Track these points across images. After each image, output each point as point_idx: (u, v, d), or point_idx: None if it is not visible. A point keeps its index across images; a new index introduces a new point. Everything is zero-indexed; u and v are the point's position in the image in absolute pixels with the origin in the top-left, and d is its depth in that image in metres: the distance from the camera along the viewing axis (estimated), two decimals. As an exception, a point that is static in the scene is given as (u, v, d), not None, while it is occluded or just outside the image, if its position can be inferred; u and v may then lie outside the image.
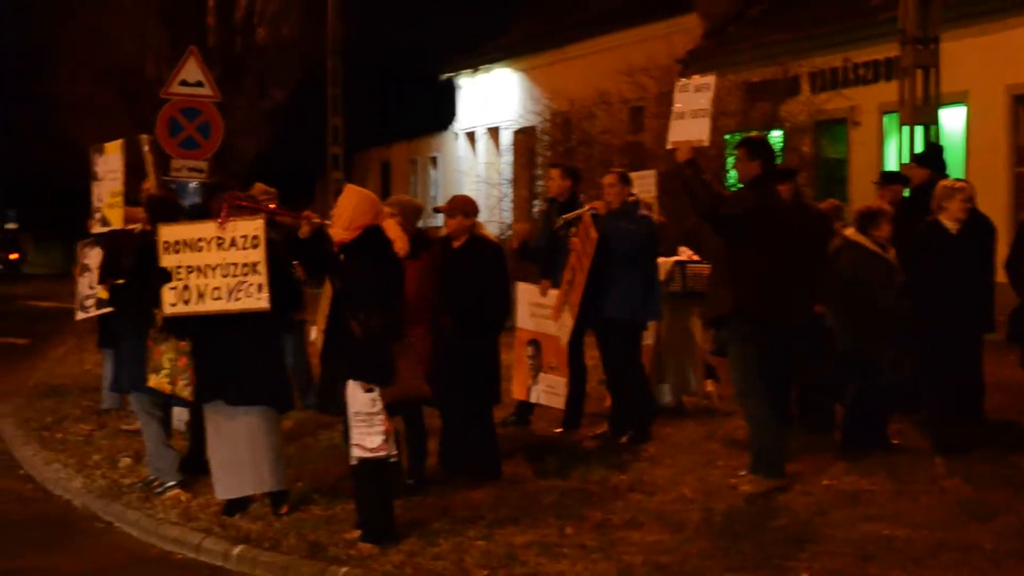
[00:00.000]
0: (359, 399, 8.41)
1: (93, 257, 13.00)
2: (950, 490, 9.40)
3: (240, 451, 9.44)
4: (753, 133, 15.88)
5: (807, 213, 11.44)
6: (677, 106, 10.24)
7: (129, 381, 10.50)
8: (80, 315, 13.70)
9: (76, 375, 17.44)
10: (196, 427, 10.65)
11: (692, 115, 10.05)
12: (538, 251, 12.30)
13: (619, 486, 9.92)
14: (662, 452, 11.00)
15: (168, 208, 10.44)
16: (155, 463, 10.54)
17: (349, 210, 8.51)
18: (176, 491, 10.15)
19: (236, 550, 8.76)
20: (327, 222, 8.87)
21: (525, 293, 11.77)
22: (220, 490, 9.57)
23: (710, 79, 10.22)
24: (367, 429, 8.41)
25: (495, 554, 8.20)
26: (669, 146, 10.27)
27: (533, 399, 11.73)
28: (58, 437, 12.95)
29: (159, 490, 10.26)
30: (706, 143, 10.12)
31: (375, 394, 8.39)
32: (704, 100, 10.01)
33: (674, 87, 10.62)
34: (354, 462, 8.53)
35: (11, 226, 46.15)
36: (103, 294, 11.91)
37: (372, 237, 8.52)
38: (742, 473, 9.95)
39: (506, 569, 7.94)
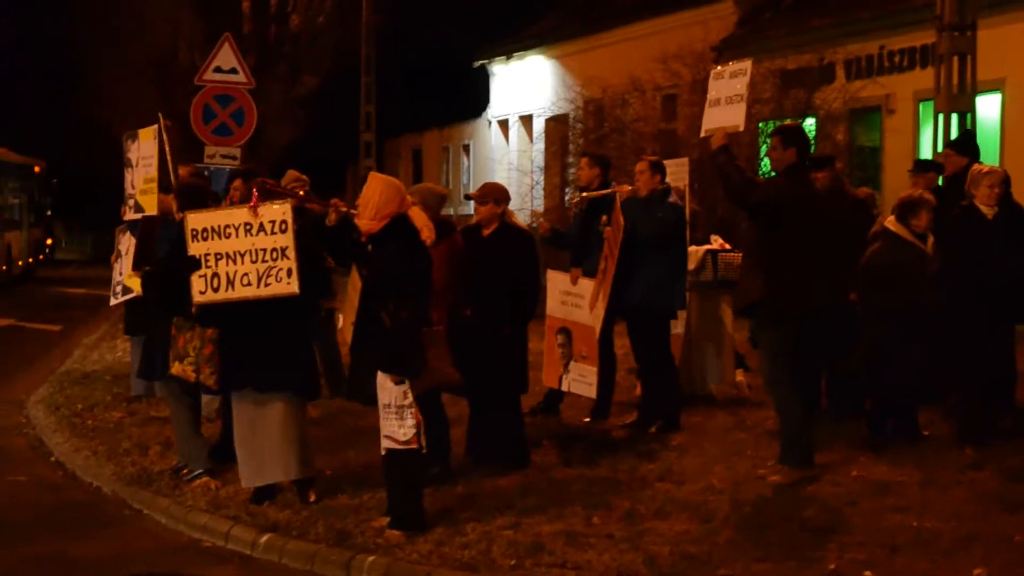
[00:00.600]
0: (390, 391, 8.42)
1: (125, 243, 13.06)
2: (980, 482, 9.36)
3: (267, 438, 9.47)
4: (787, 121, 15.84)
5: (843, 201, 11.42)
6: (712, 93, 10.23)
7: (160, 368, 10.52)
8: (112, 301, 13.77)
9: (107, 362, 17.55)
10: (226, 415, 10.70)
11: (727, 101, 10.04)
12: (569, 238, 12.33)
13: (647, 475, 9.92)
14: (691, 442, 11.01)
15: (199, 195, 10.44)
16: (184, 450, 10.58)
17: (375, 199, 8.48)
18: (205, 479, 10.18)
19: (263, 538, 8.80)
20: (354, 211, 8.88)
21: (556, 281, 11.74)
22: (246, 478, 9.61)
23: (746, 64, 10.20)
24: (399, 421, 8.42)
25: (522, 544, 8.21)
26: (703, 133, 10.27)
27: (564, 388, 11.73)
28: (89, 424, 13.01)
29: (188, 477, 10.29)
30: (741, 128, 10.09)
31: (406, 386, 8.39)
32: (740, 86, 10.00)
33: (709, 75, 10.60)
34: (383, 451, 8.57)
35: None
36: (129, 281, 11.96)
37: (399, 226, 8.50)
38: (771, 463, 9.96)
39: (533, 559, 7.95)
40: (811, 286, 9.66)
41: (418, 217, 8.63)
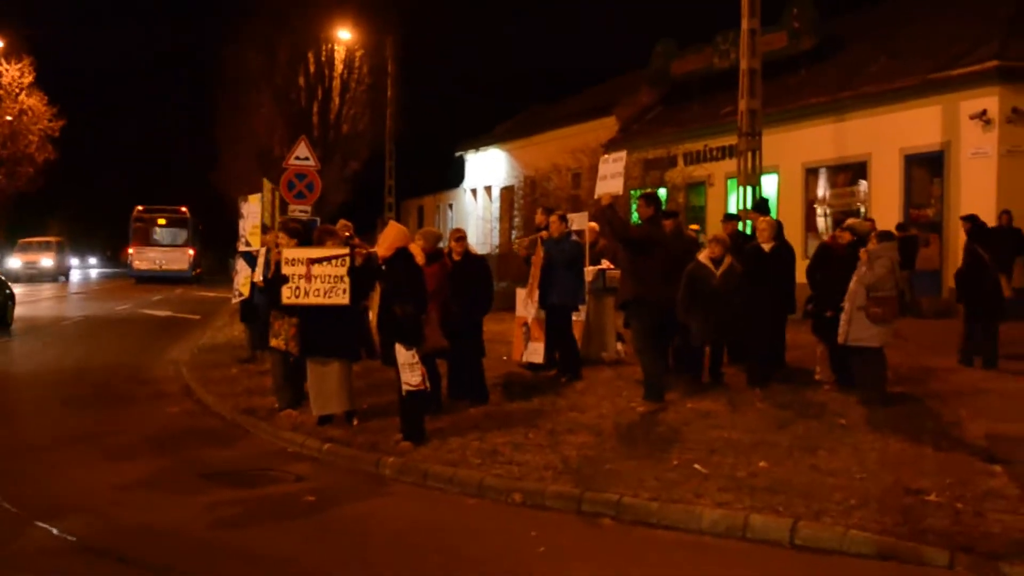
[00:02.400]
0: (403, 354, 8.40)
1: (239, 265, 12.98)
2: (763, 410, 9.40)
3: (328, 385, 9.44)
4: (648, 190, 15.87)
5: (682, 238, 11.48)
6: (601, 171, 10.27)
7: (261, 342, 10.43)
8: (233, 300, 13.67)
9: (228, 338, 17.35)
10: (298, 370, 10.61)
11: (611, 176, 10.08)
12: (527, 262, 12.34)
13: (562, 407, 9.90)
14: (588, 387, 10.96)
15: (298, 234, 10.42)
16: (277, 393, 10.50)
17: (390, 238, 8.53)
18: (288, 410, 10.11)
19: (326, 446, 8.77)
20: (373, 249, 8.94)
21: (519, 293, 11.99)
22: (315, 409, 9.57)
23: (622, 154, 10.32)
24: (411, 372, 8.39)
25: (485, 450, 8.21)
26: (596, 196, 10.28)
27: (524, 358, 11.77)
28: (216, 376, 12.87)
29: (278, 409, 10.20)
30: (620, 193, 10.14)
31: (413, 351, 8.38)
32: (619, 167, 10.06)
33: (600, 161, 10.64)
34: (403, 393, 8.53)
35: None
36: (242, 288, 11.87)
37: (403, 254, 8.55)
38: (638, 400, 9.96)
39: (491, 459, 7.94)
40: (662, 290, 9.70)
41: (414, 248, 8.70)
